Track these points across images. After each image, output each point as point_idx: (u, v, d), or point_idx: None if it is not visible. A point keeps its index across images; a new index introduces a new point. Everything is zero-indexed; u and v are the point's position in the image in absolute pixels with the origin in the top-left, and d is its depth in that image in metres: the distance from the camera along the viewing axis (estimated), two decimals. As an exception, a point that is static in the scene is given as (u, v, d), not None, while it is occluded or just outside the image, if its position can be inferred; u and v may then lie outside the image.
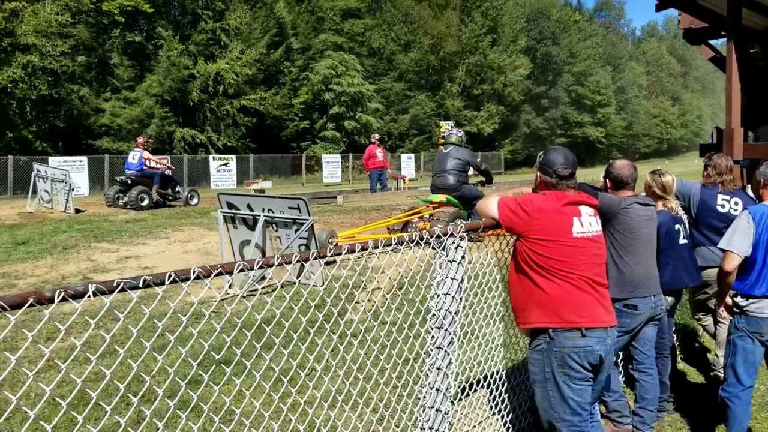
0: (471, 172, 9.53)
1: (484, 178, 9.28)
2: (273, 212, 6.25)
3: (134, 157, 14.46)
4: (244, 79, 29.30)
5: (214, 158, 26.10)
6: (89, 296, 1.64)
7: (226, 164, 26.04)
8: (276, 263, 2.13)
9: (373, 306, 5.30)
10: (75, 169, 19.15)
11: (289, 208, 6.14)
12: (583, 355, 2.62)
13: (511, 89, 43.93)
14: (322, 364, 3.87)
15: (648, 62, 73.37)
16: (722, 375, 4.43)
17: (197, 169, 25.52)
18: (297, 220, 6.12)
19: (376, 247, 2.45)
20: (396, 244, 2.59)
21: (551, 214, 2.67)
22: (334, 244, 8.08)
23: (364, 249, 2.42)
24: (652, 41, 79.16)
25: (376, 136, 19.13)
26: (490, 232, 3.31)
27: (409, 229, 8.59)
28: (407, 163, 33.18)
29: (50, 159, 20.09)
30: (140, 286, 1.74)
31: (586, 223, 2.72)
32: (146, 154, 14.52)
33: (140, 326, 1.95)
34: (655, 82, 71.58)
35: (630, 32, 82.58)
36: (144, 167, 14.38)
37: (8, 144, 22.70)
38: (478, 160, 9.36)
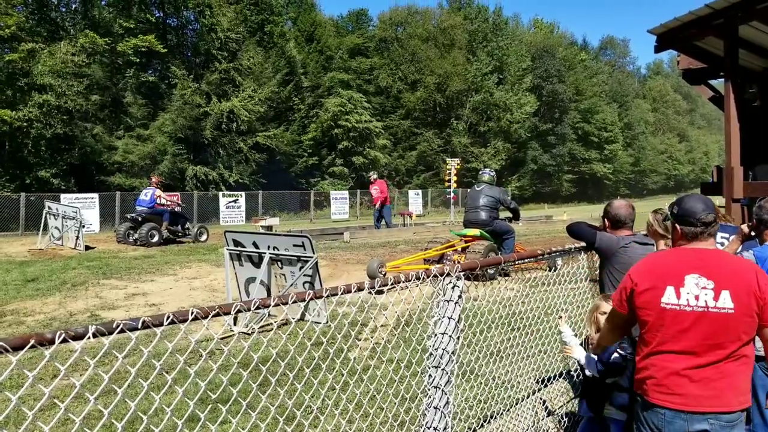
0: None
1: (512, 215, 9.90)
2: (278, 250, 6.30)
3: (147, 194, 14.70)
4: (256, 116, 29.83)
5: (223, 195, 26.40)
6: (89, 338, 1.69)
7: (235, 201, 26.30)
8: (272, 304, 2.18)
9: (371, 345, 5.30)
10: (86, 206, 19.37)
11: (294, 245, 6.18)
12: None
13: (517, 126, 44.33)
14: (317, 403, 3.88)
15: (654, 99, 73.93)
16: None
17: (207, 206, 25.77)
18: (302, 258, 6.15)
19: (385, 285, 2.50)
20: (405, 281, 2.64)
21: None
22: (383, 273, 8.32)
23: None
24: (657, 79, 79.85)
25: (372, 174, 19.76)
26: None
27: (444, 261, 9.18)
28: (414, 199, 33.31)
29: (62, 196, 20.33)
30: (139, 327, 1.79)
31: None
32: (158, 192, 14.77)
33: (138, 366, 2.00)
34: (661, 119, 71.98)
35: (635, 70, 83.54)
36: (155, 205, 14.61)
37: (23, 182, 23.05)
38: (509, 198, 9.84)
